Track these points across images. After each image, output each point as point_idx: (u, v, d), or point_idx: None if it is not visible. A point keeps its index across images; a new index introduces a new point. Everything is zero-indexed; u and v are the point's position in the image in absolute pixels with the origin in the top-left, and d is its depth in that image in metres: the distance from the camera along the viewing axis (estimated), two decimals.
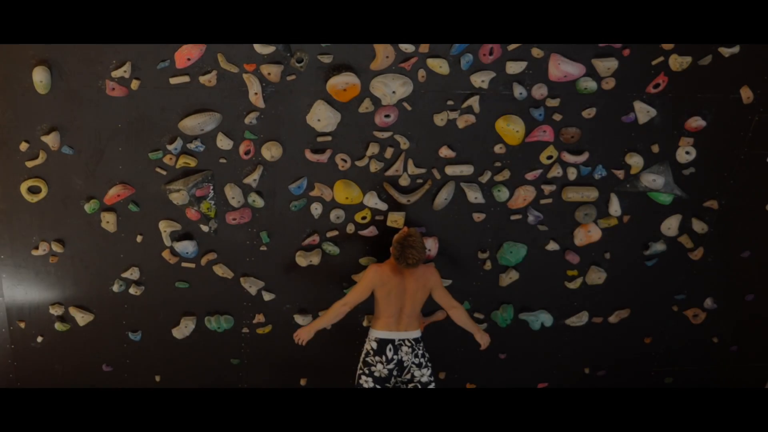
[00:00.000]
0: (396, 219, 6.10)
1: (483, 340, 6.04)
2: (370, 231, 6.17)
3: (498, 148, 5.96)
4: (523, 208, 6.22)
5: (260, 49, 5.39)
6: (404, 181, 6.01)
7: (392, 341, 5.79)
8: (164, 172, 5.78)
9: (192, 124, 5.58)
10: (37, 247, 5.96)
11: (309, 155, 5.83)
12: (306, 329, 5.81)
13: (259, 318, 6.42)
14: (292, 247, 6.18)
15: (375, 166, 5.93)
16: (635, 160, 6.10)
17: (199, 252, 6.10)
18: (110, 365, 6.50)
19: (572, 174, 6.10)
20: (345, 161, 5.88)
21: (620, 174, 6.16)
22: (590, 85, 5.78)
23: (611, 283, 6.60)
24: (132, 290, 6.18)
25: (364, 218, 6.12)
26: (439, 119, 5.81)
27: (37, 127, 5.55)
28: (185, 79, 5.47)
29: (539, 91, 5.77)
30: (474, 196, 6.08)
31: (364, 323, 6.48)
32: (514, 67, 5.66)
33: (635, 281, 6.63)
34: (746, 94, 5.95)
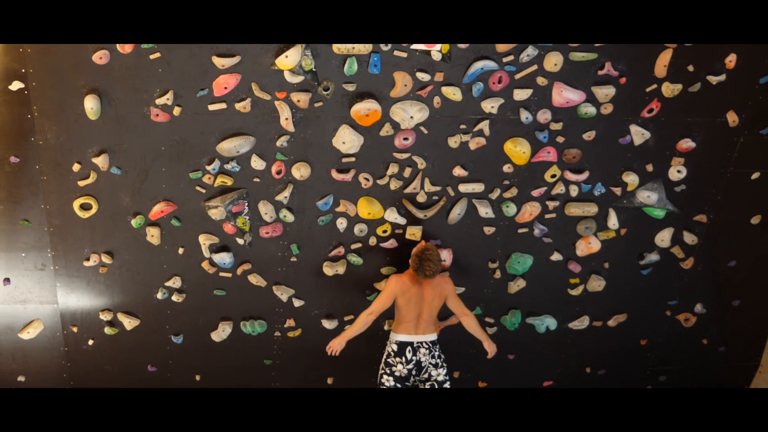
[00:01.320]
0: (414, 232, 6.04)
1: (490, 348, 5.91)
2: (391, 243, 6.10)
3: (506, 168, 5.90)
4: (529, 222, 6.15)
5: (290, 78, 5.36)
6: (421, 198, 5.96)
7: (411, 344, 5.70)
8: (203, 190, 5.75)
9: (228, 146, 5.54)
10: (88, 259, 5.92)
11: (335, 175, 5.78)
12: (337, 340, 5.71)
13: (290, 322, 6.35)
14: (319, 258, 6.13)
15: (395, 185, 5.87)
16: (631, 178, 6.02)
17: (236, 263, 6.05)
18: (155, 366, 6.44)
19: (574, 191, 6.03)
20: (367, 180, 5.82)
21: (618, 191, 6.08)
22: (590, 110, 5.72)
23: (610, 290, 6.52)
24: (174, 297, 6.13)
25: (385, 232, 6.05)
26: (453, 141, 5.75)
27: (88, 150, 5.54)
28: (222, 106, 5.44)
29: (544, 115, 5.71)
30: (485, 211, 6.01)
31: (386, 327, 6.41)
32: (520, 94, 5.61)
33: (632, 288, 6.55)
34: (732, 118, 5.89)
